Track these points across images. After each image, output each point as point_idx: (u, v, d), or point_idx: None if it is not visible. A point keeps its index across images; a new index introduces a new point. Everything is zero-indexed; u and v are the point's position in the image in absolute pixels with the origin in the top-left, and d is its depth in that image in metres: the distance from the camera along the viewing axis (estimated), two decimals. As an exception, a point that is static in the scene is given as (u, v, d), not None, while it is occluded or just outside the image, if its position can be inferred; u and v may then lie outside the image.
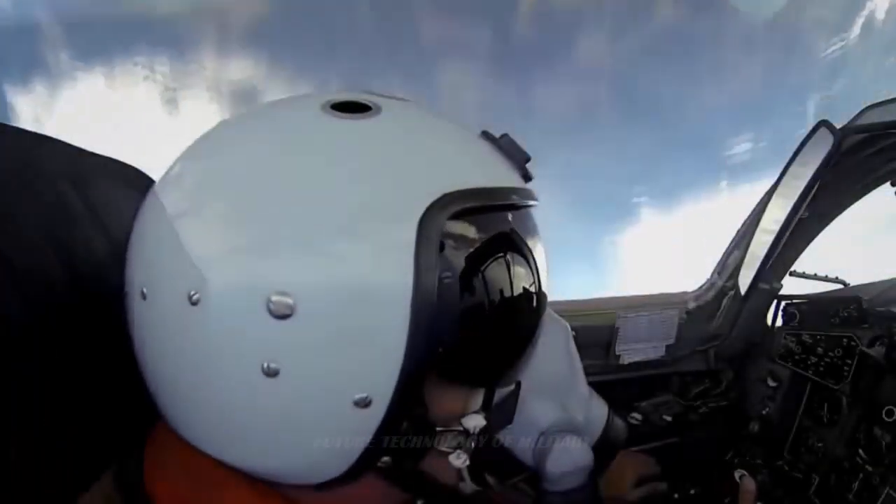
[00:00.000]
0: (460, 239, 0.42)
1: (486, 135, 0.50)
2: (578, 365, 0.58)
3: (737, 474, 1.02)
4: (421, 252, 0.38)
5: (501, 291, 0.44)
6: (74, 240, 0.52)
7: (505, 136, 0.50)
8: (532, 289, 0.46)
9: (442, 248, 0.40)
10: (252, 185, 0.40)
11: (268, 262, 0.38)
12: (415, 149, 0.43)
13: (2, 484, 0.45)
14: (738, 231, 1.39)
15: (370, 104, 0.44)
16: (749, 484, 0.86)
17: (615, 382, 1.33)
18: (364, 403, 0.39)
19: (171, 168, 0.45)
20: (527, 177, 0.50)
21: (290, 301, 0.37)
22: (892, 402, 0.99)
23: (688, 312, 1.40)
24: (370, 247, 0.38)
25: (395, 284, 0.38)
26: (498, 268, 0.43)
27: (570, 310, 1.35)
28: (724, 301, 1.40)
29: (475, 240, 0.43)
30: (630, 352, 1.36)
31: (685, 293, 1.45)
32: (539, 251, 0.47)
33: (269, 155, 0.41)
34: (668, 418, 1.29)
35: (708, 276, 1.46)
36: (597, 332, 1.33)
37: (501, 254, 0.44)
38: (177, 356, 0.41)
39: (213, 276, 0.38)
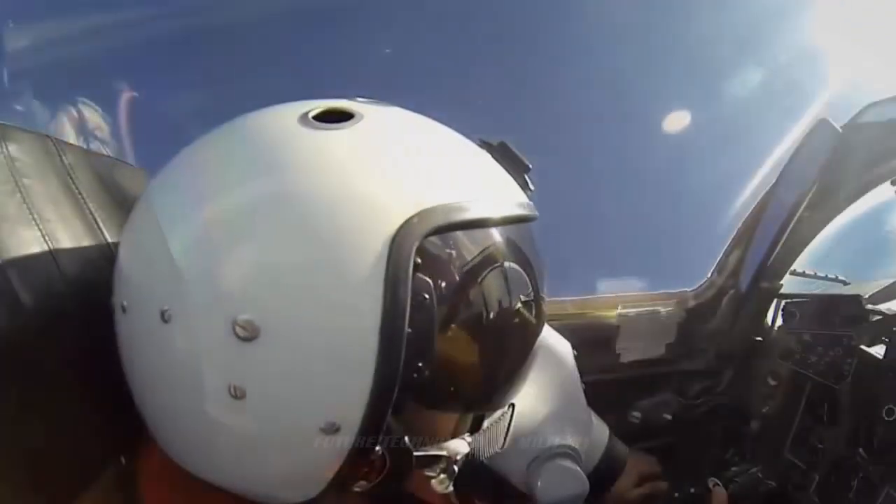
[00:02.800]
0: (438, 259, 0.40)
1: (481, 143, 0.48)
2: (578, 386, 0.54)
3: (710, 482, 1.02)
4: (391, 273, 0.36)
5: (483, 315, 0.41)
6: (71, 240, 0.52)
7: (501, 143, 0.49)
8: (520, 310, 0.44)
9: (417, 268, 0.38)
10: (221, 204, 0.39)
11: (234, 283, 0.37)
12: (392, 161, 0.41)
13: (3, 483, 0.45)
14: (738, 230, 1.39)
15: (353, 112, 0.42)
16: (720, 494, 0.87)
17: (615, 381, 1.33)
18: (332, 430, 0.38)
19: (156, 178, 0.44)
20: (526, 187, 0.48)
21: (255, 324, 0.36)
22: (892, 402, 0.98)
23: (687, 311, 1.40)
24: (338, 268, 0.37)
25: (363, 307, 0.36)
26: (479, 289, 0.41)
27: (571, 308, 1.35)
28: (724, 300, 1.39)
29: (455, 259, 0.41)
30: (630, 350, 1.36)
31: (685, 292, 1.45)
32: (533, 269, 0.45)
33: (240, 173, 0.40)
34: (668, 417, 1.28)
35: (708, 274, 1.46)
36: (597, 330, 1.33)
37: (484, 274, 0.41)
38: (152, 371, 0.41)
39: (182, 293, 0.38)
